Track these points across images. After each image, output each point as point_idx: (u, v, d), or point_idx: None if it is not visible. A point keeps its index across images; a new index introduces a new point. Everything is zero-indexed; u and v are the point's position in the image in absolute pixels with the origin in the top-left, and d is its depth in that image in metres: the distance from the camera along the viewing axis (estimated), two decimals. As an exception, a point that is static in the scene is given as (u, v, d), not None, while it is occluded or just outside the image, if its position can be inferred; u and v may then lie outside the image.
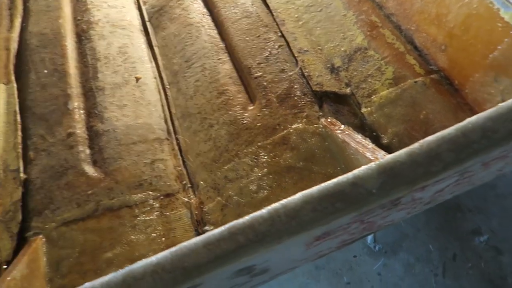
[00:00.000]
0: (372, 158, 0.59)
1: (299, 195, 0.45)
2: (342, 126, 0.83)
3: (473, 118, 0.45)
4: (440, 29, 0.89)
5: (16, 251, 0.85)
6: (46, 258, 0.83)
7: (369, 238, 1.33)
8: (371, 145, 0.69)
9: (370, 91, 0.91)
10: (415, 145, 0.45)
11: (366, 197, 0.45)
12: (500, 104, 0.45)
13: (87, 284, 0.44)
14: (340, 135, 0.77)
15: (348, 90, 0.93)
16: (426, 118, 0.84)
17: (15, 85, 1.13)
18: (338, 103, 0.94)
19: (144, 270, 0.44)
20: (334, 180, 0.45)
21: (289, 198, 0.45)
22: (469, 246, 1.26)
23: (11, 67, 1.18)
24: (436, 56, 0.91)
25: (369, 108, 0.88)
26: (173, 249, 0.44)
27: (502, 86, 0.77)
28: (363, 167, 0.45)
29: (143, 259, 0.44)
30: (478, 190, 1.37)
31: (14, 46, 1.25)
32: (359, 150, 0.66)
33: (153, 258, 0.44)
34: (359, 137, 0.73)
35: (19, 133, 1.03)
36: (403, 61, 0.93)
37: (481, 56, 0.80)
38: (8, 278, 0.68)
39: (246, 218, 0.45)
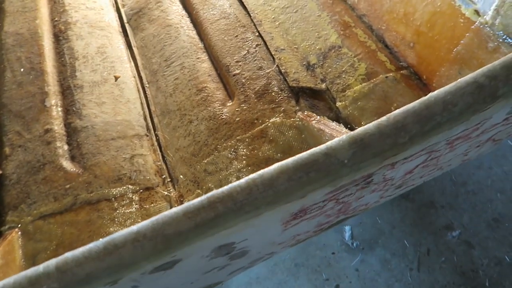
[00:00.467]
0: (340, 134, 0.62)
1: (275, 166, 0.47)
2: (318, 117, 0.86)
3: (435, 93, 0.49)
4: (408, 28, 0.94)
5: (-8, 246, 0.84)
6: (22, 252, 0.82)
7: (347, 235, 1.36)
8: (344, 130, 0.72)
9: (344, 86, 0.95)
10: (383, 118, 0.48)
11: (339, 167, 0.48)
12: (459, 79, 0.49)
13: (68, 253, 0.44)
14: (315, 125, 0.80)
15: (323, 86, 0.97)
16: (396, 110, 0.88)
17: (-10, 83, 1.12)
18: (314, 98, 0.98)
19: (125, 238, 0.45)
20: (308, 152, 0.48)
21: (265, 169, 0.47)
22: (442, 241, 1.31)
23: (-14, 65, 1.17)
24: (405, 53, 0.96)
25: (343, 102, 0.92)
26: (153, 218, 0.46)
27: (466, 79, 0.82)
28: (335, 139, 0.47)
29: (125, 229, 0.45)
30: (449, 188, 1.43)
31: (-12, 45, 1.24)
32: (333, 135, 0.69)
33: (134, 227, 0.45)
34: (333, 124, 0.77)
35: (-6, 130, 1.01)
36: (375, 58, 0.97)
37: (446, 51, 0.85)
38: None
39: (225, 187, 0.47)
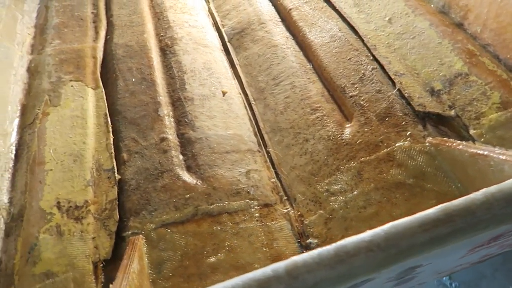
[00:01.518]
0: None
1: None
2: (458, 141, 0.82)
3: None
4: (548, 58, 0.90)
5: (114, 251, 0.82)
6: (147, 259, 0.80)
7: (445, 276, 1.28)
8: None
9: (477, 114, 0.91)
10: None
11: None
12: None
13: (295, 257, 0.41)
14: (465, 148, 0.76)
15: (452, 112, 0.93)
16: (542, 142, 0.83)
17: (103, 90, 1.15)
18: (441, 125, 0.94)
19: (357, 246, 0.41)
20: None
21: (502, 183, 0.44)
22: (552, 289, 1.20)
23: (98, 73, 1.21)
24: (542, 84, 0.91)
25: (479, 130, 0.88)
26: (384, 227, 0.42)
27: None
28: None
29: (353, 237, 0.42)
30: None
31: (100, 54, 1.28)
32: (504, 159, 0.64)
33: (365, 235, 0.42)
34: (496, 149, 0.72)
35: (111, 135, 1.03)
36: (509, 87, 0.93)
37: None
38: (131, 270, 0.65)
39: (460, 200, 0.43)
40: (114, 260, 0.81)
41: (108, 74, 1.22)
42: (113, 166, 0.96)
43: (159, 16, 1.45)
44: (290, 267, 0.41)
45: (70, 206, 0.88)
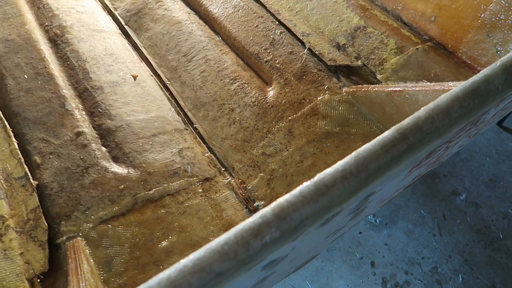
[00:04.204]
0: (446, 88, 0.66)
1: (447, 95, 0.49)
2: (372, 85, 0.90)
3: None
4: (427, 4, 1.03)
5: (51, 261, 0.73)
6: (93, 260, 0.73)
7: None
8: (430, 83, 0.76)
9: (380, 60, 1.00)
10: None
11: (494, 93, 0.52)
12: None
13: (280, 199, 0.42)
14: (381, 89, 0.84)
15: (359, 62, 1.01)
16: (436, 76, 0.95)
17: (-11, 93, 0.99)
18: (352, 75, 1.02)
19: (333, 177, 0.43)
20: (469, 80, 0.51)
21: (439, 98, 0.49)
22: (453, 205, 1.41)
23: (-21, 75, 1.04)
24: (426, 27, 1.04)
25: (384, 74, 0.97)
26: (352, 155, 0.45)
27: (495, 40, 0.92)
28: (489, 67, 0.51)
29: (327, 170, 0.44)
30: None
31: (-25, 54, 1.10)
32: (418, 90, 0.73)
33: (337, 166, 0.44)
34: (408, 83, 0.81)
35: (13, 139, 0.90)
36: (400, 33, 1.05)
37: (471, 19, 0.95)
38: (84, 270, 0.58)
39: (408, 119, 0.48)
40: (54, 271, 0.72)
41: (-9, 74, 1.06)
42: (26, 172, 0.84)
43: (38, 5, 1.29)
44: (276, 210, 0.41)
45: (-17, 226, 0.76)
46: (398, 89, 0.78)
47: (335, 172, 0.43)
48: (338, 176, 0.43)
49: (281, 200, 0.42)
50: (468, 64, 0.98)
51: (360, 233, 1.36)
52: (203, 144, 0.98)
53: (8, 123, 0.93)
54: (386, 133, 0.47)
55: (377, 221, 1.39)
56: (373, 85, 0.89)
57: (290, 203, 0.41)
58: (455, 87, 0.51)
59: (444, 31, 1.01)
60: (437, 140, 0.50)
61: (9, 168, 0.85)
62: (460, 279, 1.25)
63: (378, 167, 0.45)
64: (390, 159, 0.46)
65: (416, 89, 0.73)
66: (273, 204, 0.42)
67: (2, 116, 0.94)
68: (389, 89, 0.81)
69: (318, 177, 0.43)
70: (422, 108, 0.49)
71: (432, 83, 0.73)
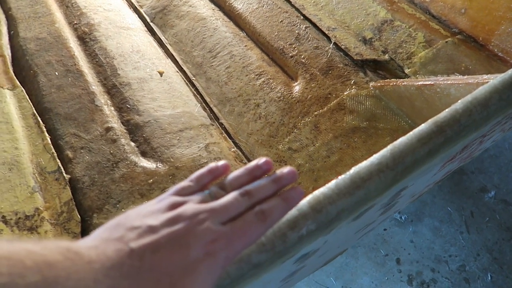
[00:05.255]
0: (481, 81, 0.65)
1: (485, 87, 0.48)
2: (406, 79, 0.88)
3: None
4: (457, -4, 1.00)
5: (84, 252, 0.75)
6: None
7: (393, 210, 1.39)
8: (462, 76, 0.75)
9: (408, 54, 0.99)
10: None
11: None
12: None
13: (316, 191, 0.42)
14: (411, 83, 0.83)
15: (386, 56, 1.00)
16: (467, 69, 0.93)
17: (23, 89, 1.02)
18: (379, 69, 1.01)
19: (369, 170, 0.43)
20: (509, 72, 0.49)
21: (476, 90, 0.48)
22: (481, 202, 1.38)
23: (12, 72, 1.07)
24: (455, 20, 1.02)
25: (412, 68, 0.96)
26: (388, 148, 0.44)
27: (530, 32, 0.89)
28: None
29: (362, 163, 0.44)
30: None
31: (7, 52, 1.14)
32: (450, 83, 0.71)
33: (373, 159, 0.44)
34: (439, 77, 0.79)
35: (46, 135, 0.93)
36: (429, 27, 1.03)
37: (504, 10, 0.92)
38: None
39: (446, 112, 0.47)
40: (87, 263, 0.74)
41: (23, 71, 1.09)
42: (59, 166, 0.86)
43: (66, 4, 1.32)
44: (313, 202, 0.41)
45: (19, 218, 0.78)
46: (429, 82, 0.77)
47: (371, 165, 0.43)
48: (374, 169, 0.43)
49: (317, 192, 0.42)
50: (500, 57, 0.95)
51: (385, 229, 1.35)
52: (229, 139, 0.99)
53: (41, 119, 0.96)
54: (423, 126, 0.46)
55: (403, 218, 1.37)
56: (401, 79, 0.88)
57: (326, 196, 0.41)
58: (493, 79, 0.49)
59: (475, 23, 0.98)
60: (474, 133, 0.49)
61: (43, 162, 0.88)
62: (489, 278, 1.23)
63: (414, 160, 0.44)
64: (427, 152, 0.45)
65: (448, 82, 0.72)
66: (309, 197, 0.42)
67: (35, 112, 0.97)
68: (419, 83, 0.79)
69: (353, 170, 0.43)
70: (459, 101, 0.48)
71: (465, 76, 0.71)
